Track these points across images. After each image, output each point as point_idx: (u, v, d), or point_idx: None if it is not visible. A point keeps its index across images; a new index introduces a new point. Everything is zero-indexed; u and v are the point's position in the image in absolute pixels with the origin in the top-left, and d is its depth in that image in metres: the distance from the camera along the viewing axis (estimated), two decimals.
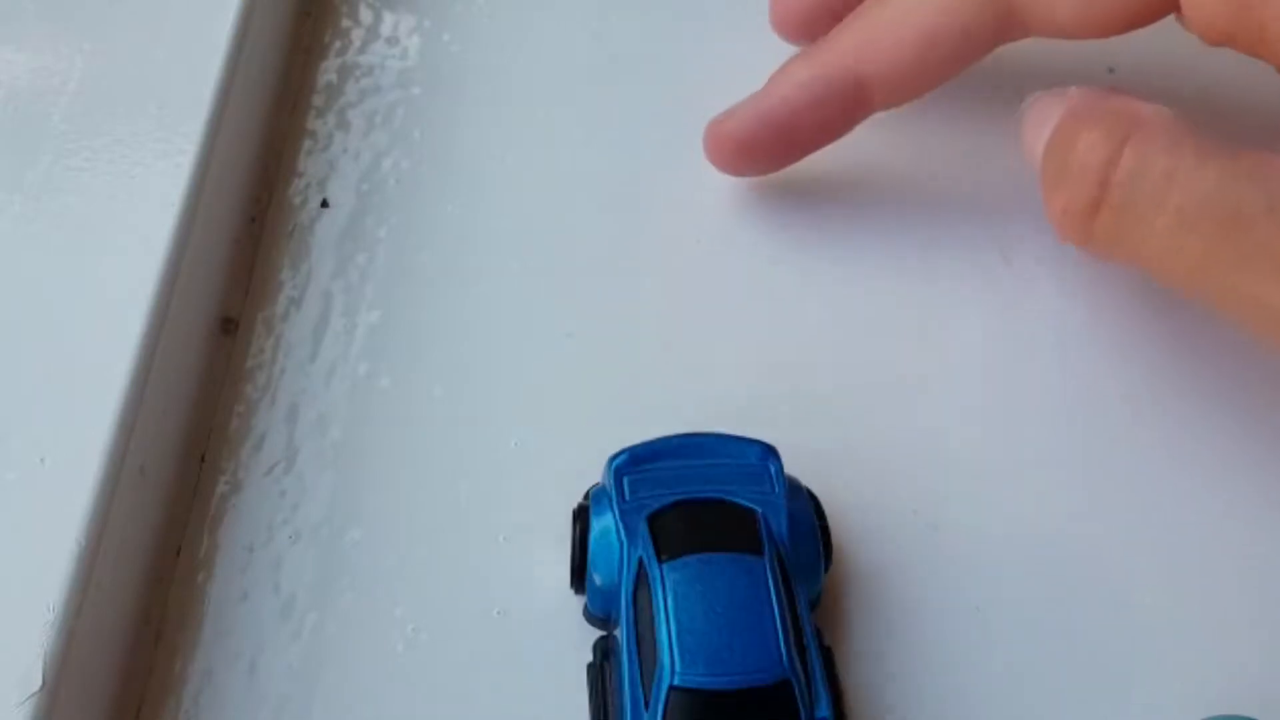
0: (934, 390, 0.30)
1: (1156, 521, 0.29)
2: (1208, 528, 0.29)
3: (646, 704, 0.25)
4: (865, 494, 0.29)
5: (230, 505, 0.29)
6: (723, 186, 0.33)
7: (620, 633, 0.26)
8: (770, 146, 0.31)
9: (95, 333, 0.28)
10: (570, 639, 0.27)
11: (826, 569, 0.27)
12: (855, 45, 0.30)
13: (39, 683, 0.24)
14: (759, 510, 0.26)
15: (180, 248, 0.29)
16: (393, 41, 0.37)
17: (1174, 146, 0.25)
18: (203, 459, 0.30)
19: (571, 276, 0.32)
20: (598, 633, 0.27)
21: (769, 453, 0.27)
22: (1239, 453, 0.30)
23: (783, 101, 0.31)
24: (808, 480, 0.28)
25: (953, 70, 0.31)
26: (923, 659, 0.27)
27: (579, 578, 0.27)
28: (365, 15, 0.37)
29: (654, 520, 0.26)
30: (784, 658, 0.24)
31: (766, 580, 0.25)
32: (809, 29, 0.33)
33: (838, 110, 0.31)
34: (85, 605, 0.25)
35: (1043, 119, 0.28)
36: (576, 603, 0.27)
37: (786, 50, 0.33)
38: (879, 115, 0.32)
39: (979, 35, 0.30)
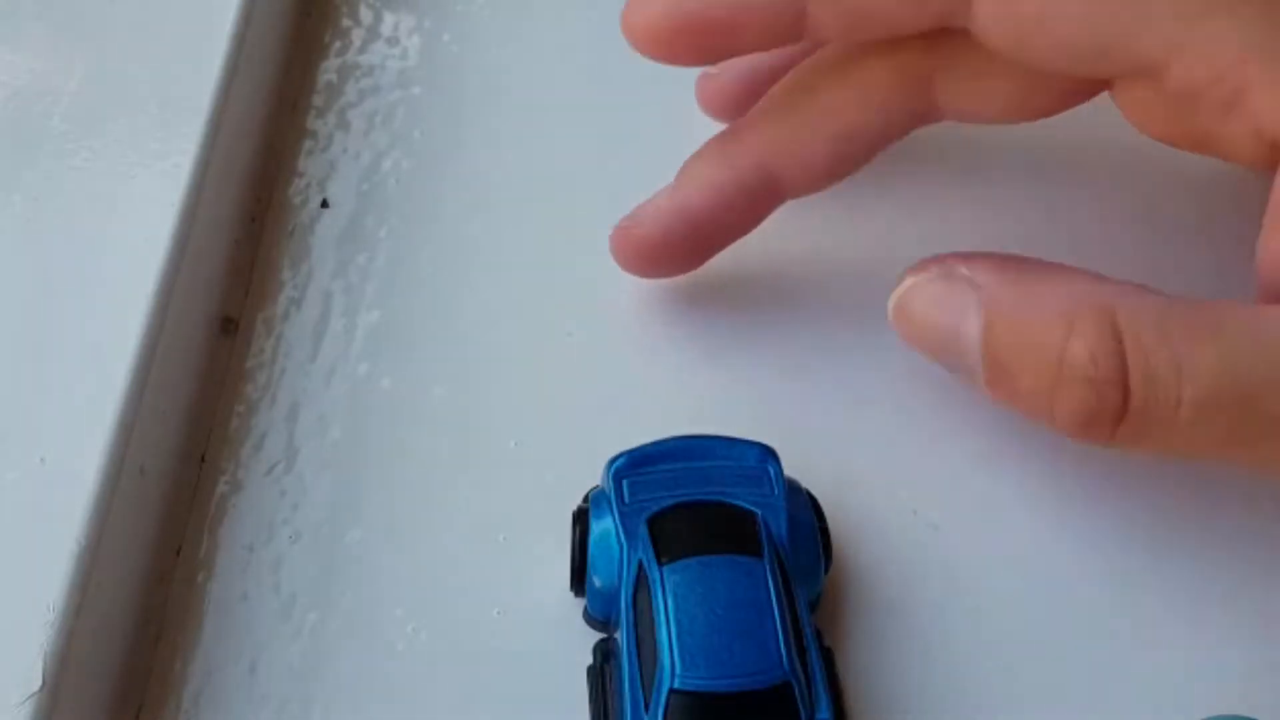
0: (934, 390, 0.30)
1: (1156, 521, 0.29)
2: (1208, 527, 0.29)
3: (647, 706, 0.25)
4: (865, 494, 0.29)
5: (230, 505, 0.29)
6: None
7: (620, 635, 0.26)
8: (683, 251, 0.30)
9: (95, 332, 0.28)
10: (570, 639, 0.27)
11: (826, 570, 0.27)
12: (768, 142, 0.29)
13: (39, 682, 0.24)
14: (758, 512, 0.26)
15: (180, 248, 0.29)
16: (393, 41, 0.37)
17: (1160, 326, 0.24)
18: (203, 459, 0.30)
19: (571, 276, 0.32)
20: (598, 634, 0.27)
21: (768, 454, 0.27)
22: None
23: (695, 205, 0.30)
24: (807, 482, 0.28)
25: (869, 158, 0.30)
26: (923, 659, 0.27)
27: (579, 580, 0.27)
28: (365, 15, 0.37)
29: (654, 523, 0.26)
30: (784, 660, 0.24)
31: (766, 582, 0.25)
32: (737, 109, 0.31)
33: (749, 209, 0.30)
34: (85, 605, 0.25)
35: (946, 305, 0.26)
36: (577, 603, 0.27)
37: None
38: None
39: (898, 127, 0.30)
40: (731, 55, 0.29)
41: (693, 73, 0.35)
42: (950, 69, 0.28)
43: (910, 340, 0.28)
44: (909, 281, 0.27)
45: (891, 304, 0.28)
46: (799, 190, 0.30)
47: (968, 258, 0.27)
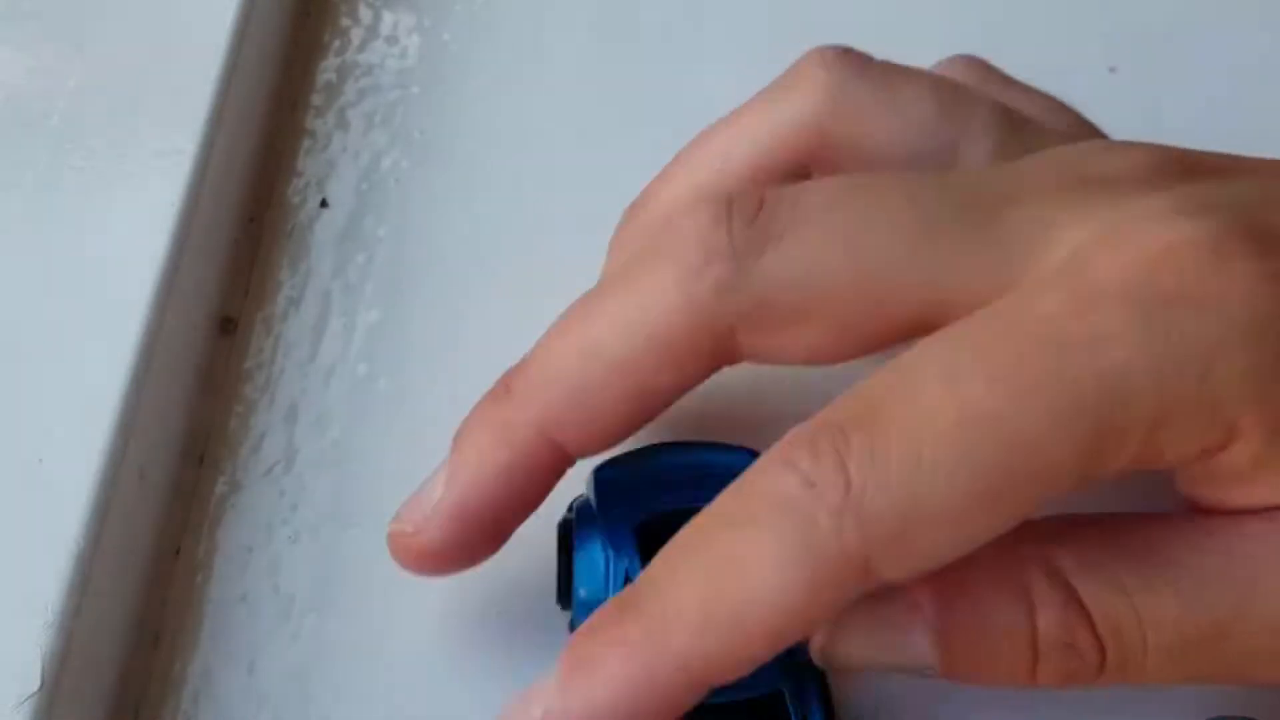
0: None
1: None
2: None
3: None
4: None
5: (229, 505, 0.29)
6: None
7: None
8: (470, 546, 0.26)
9: (94, 332, 0.28)
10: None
11: None
12: (551, 408, 0.25)
13: (37, 683, 0.24)
14: None
15: (179, 247, 0.29)
16: (392, 41, 0.37)
17: (1113, 579, 0.23)
18: (202, 459, 0.30)
19: (572, 276, 0.32)
20: None
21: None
22: None
23: (472, 499, 0.25)
24: None
25: (662, 411, 0.26)
26: None
27: (565, 594, 0.26)
28: (365, 14, 0.37)
29: (641, 531, 0.25)
30: (776, 668, 0.23)
31: None
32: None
33: (537, 486, 0.26)
34: (84, 606, 0.25)
35: (883, 641, 0.23)
36: None
37: (799, 48, 0.33)
38: None
39: (696, 379, 0.26)
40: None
41: (693, 74, 0.35)
42: (754, 321, 0.25)
43: (844, 671, 0.25)
44: (827, 632, 0.24)
45: (816, 651, 0.24)
46: (587, 453, 0.26)
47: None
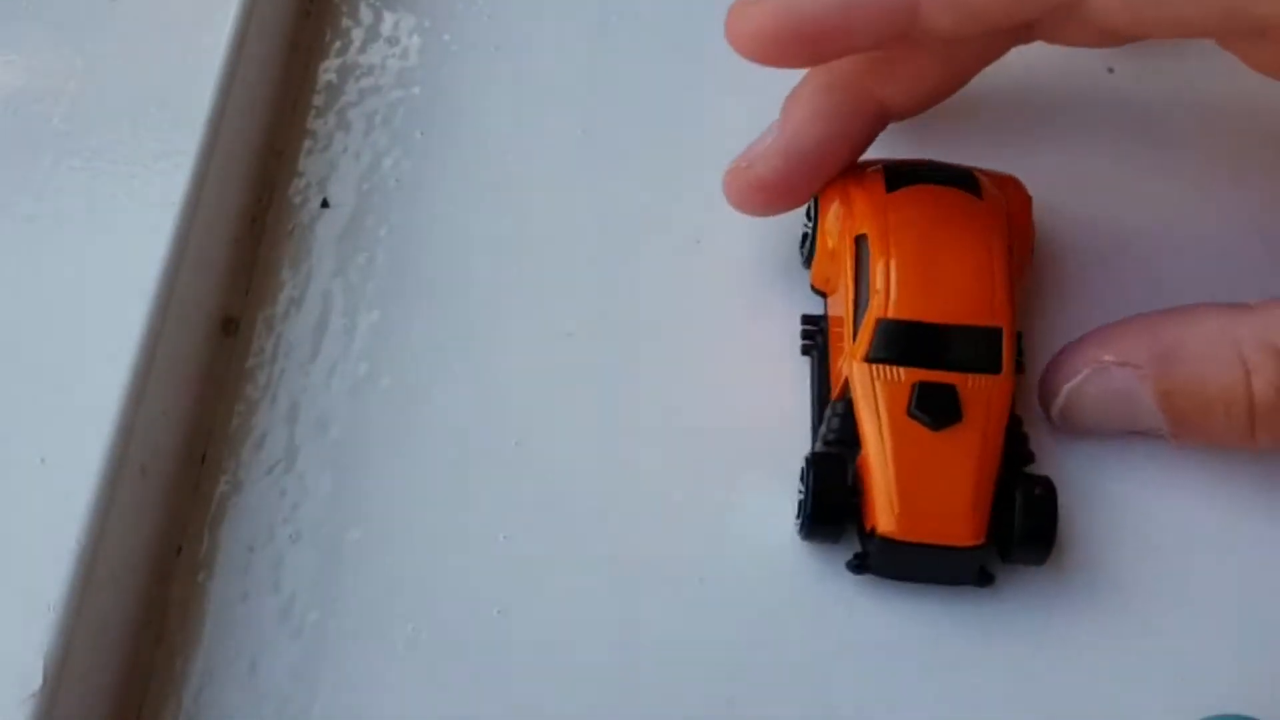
0: None
1: (1156, 519, 0.29)
2: (1209, 527, 0.29)
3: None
4: None
5: (231, 505, 0.29)
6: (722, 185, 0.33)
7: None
8: (796, 184, 0.30)
9: (95, 332, 0.28)
10: (570, 639, 0.27)
11: None
12: (868, 62, 0.29)
13: (39, 682, 0.24)
14: None
15: (180, 247, 0.29)
16: (393, 41, 0.37)
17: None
18: (203, 458, 0.30)
19: (571, 276, 0.32)
20: (597, 634, 0.27)
21: None
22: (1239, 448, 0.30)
23: (804, 137, 0.29)
24: None
25: (970, 76, 0.30)
26: None
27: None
28: (365, 15, 0.37)
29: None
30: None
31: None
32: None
33: (857, 134, 0.30)
34: (85, 604, 0.25)
35: (1112, 401, 0.28)
36: (576, 604, 0.27)
37: None
38: None
39: (998, 46, 0.30)
40: (842, 55, 0.29)
41: (694, 73, 0.36)
42: None
43: (1080, 434, 0.29)
44: (1064, 391, 0.28)
45: (1055, 414, 0.29)
46: (902, 109, 0.30)
47: (1104, 341, 0.28)
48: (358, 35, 0.37)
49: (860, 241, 0.29)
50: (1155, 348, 0.27)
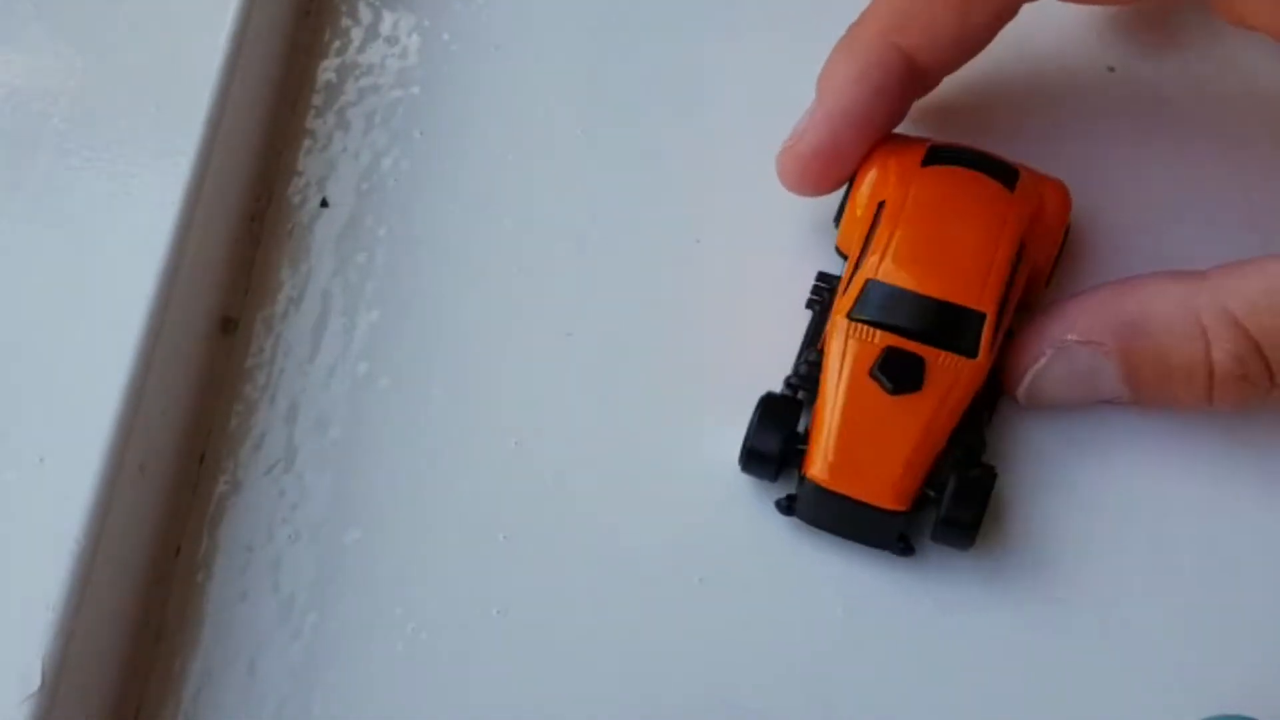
0: None
1: (1157, 520, 0.29)
2: (1210, 526, 0.29)
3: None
4: None
5: (230, 505, 0.29)
6: (721, 185, 0.33)
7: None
8: (848, 145, 0.30)
9: (94, 332, 0.28)
10: (570, 638, 0.27)
11: None
12: (890, 19, 0.30)
13: (38, 682, 0.24)
14: None
15: (179, 247, 0.29)
16: (392, 41, 0.37)
17: (1272, 307, 0.27)
18: (202, 458, 0.30)
19: (571, 276, 0.32)
20: (597, 634, 0.27)
21: None
22: (1240, 449, 0.30)
23: (846, 102, 0.30)
24: None
25: (993, 32, 0.31)
26: None
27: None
28: (365, 14, 0.37)
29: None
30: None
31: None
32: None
33: (895, 92, 0.30)
34: (84, 605, 0.25)
35: (1076, 378, 0.29)
36: (576, 604, 0.27)
37: (795, 48, 0.33)
38: None
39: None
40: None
41: (694, 73, 0.36)
42: None
43: (1045, 409, 0.29)
44: (1030, 373, 0.29)
45: (1021, 395, 0.29)
46: (928, 62, 0.30)
47: (1066, 318, 0.28)
48: (357, 35, 0.37)
49: (880, 207, 0.29)
50: (1117, 322, 0.28)
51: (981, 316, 0.27)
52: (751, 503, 0.29)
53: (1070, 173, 0.32)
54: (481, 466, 0.30)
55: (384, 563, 0.28)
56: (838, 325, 0.28)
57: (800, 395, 0.29)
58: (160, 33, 0.33)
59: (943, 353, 0.27)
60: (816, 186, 0.31)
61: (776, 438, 0.28)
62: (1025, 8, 0.31)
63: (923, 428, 0.27)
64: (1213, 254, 0.31)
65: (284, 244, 0.33)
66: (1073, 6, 0.32)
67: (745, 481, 0.29)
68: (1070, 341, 0.28)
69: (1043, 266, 0.30)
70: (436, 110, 0.35)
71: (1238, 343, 0.27)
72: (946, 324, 0.27)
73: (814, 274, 0.31)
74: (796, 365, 0.29)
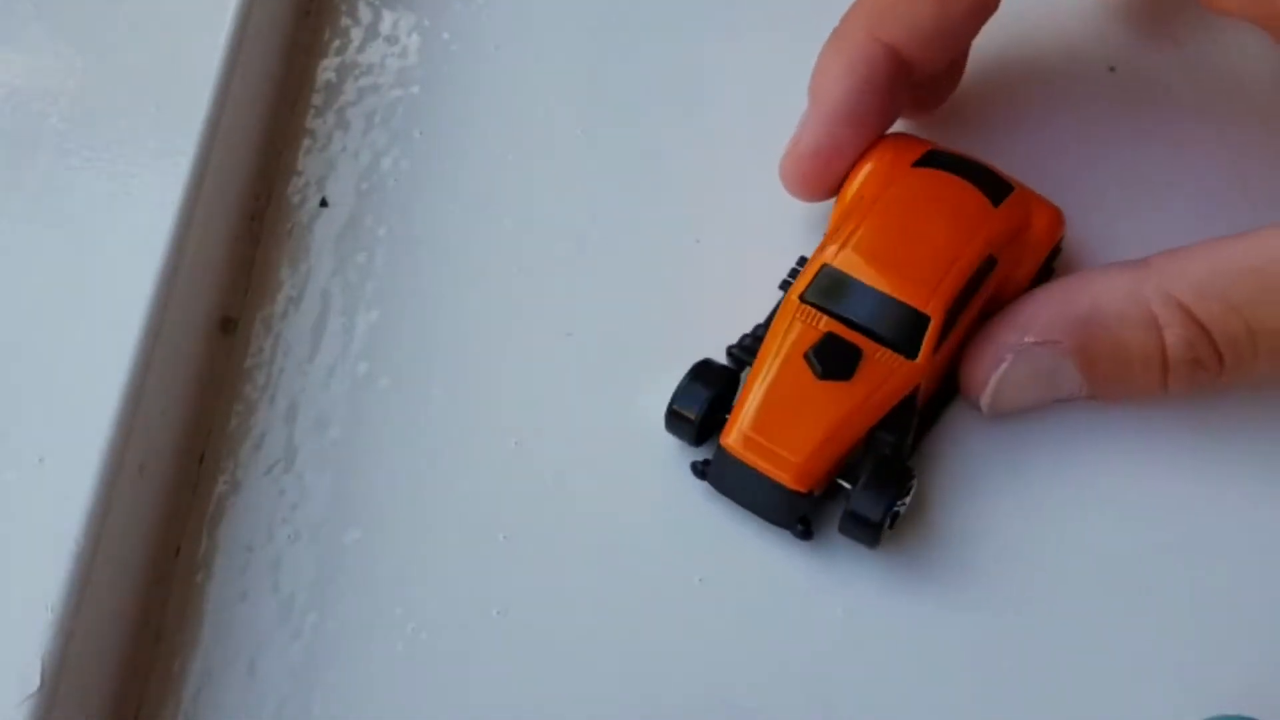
0: None
1: (1158, 520, 0.29)
2: (1210, 526, 0.29)
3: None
4: None
5: (229, 505, 0.29)
6: (721, 185, 0.33)
7: None
8: (845, 141, 0.31)
9: (94, 332, 0.28)
10: (570, 638, 0.27)
11: None
12: (870, 14, 0.30)
13: (38, 683, 0.24)
14: None
15: (179, 247, 0.29)
16: (392, 40, 0.37)
17: (1220, 294, 0.27)
18: (202, 458, 0.30)
19: (571, 276, 0.32)
20: (596, 634, 0.27)
21: None
22: (1240, 450, 0.30)
23: (838, 98, 0.30)
24: None
25: (974, 23, 0.31)
26: None
27: None
28: (365, 14, 0.37)
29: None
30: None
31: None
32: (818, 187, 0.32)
33: (884, 85, 0.30)
34: (84, 605, 0.25)
35: (1037, 381, 0.29)
36: (576, 604, 0.27)
37: (795, 48, 0.33)
38: None
39: None
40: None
41: (694, 72, 0.36)
42: None
43: (1007, 416, 0.30)
44: (992, 381, 0.29)
45: (984, 405, 0.29)
46: (915, 57, 0.30)
47: (1018, 322, 0.28)
48: (357, 34, 0.37)
49: (860, 199, 0.30)
50: (1070, 317, 0.28)
51: (926, 320, 0.27)
52: None
53: (1070, 172, 0.33)
54: (481, 466, 0.30)
55: (384, 563, 0.28)
56: (788, 304, 0.28)
57: (744, 370, 0.29)
58: (160, 33, 0.33)
59: (882, 348, 0.27)
60: (817, 186, 0.31)
61: (699, 401, 0.28)
62: (1026, 8, 0.31)
63: (842, 416, 0.27)
64: None
65: (284, 244, 0.33)
66: (1073, 6, 0.32)
67: None
68: (1029, 344, 0.28)
69: (1021, 284, 0.30)
70: (436, 110, 0.35)
71: (1187, 327, 0.27)
72: (890, 321, 0.28)
73: None
74: (743, 337, 0.30)
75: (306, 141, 0.35)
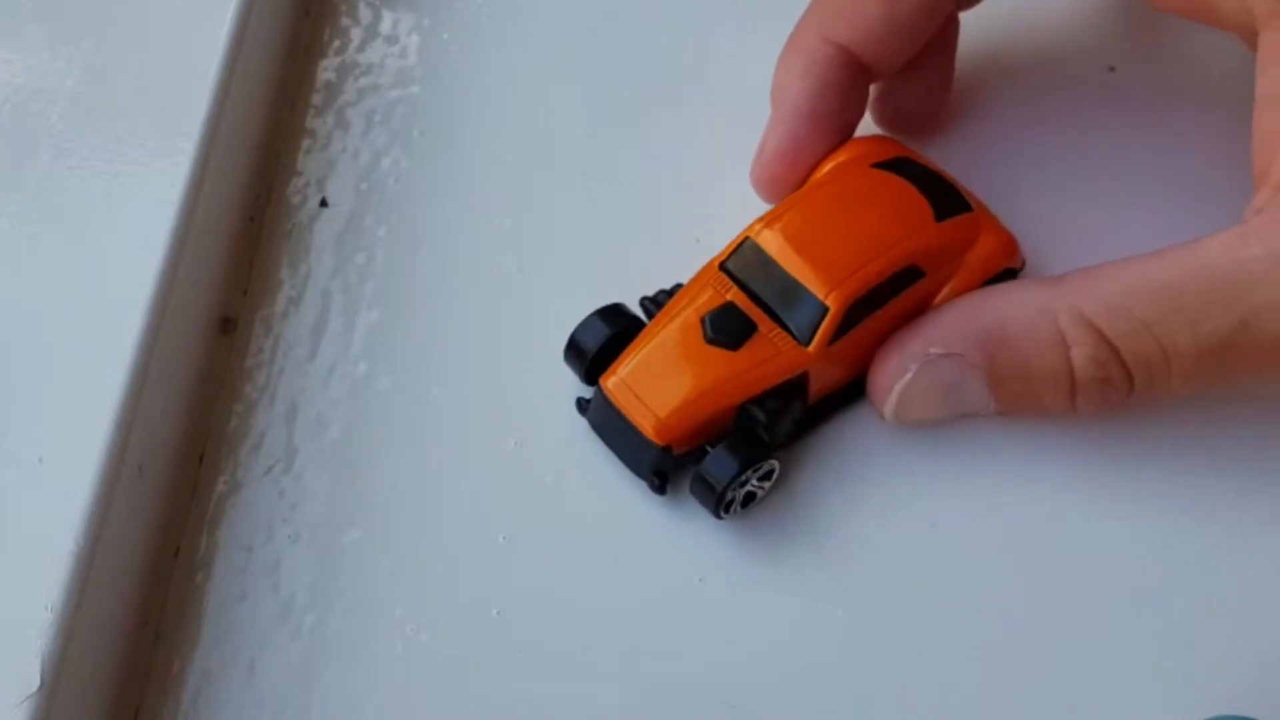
0: None
1: (1157, 520, 0.29)
2: (1209, 526, 0.29)
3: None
4: None
5: (229, 505, 0.29)
6: (721, 185, 0.33)
7: None
8: (807, 141, 0.31)
9: (93, 332, 0.28)
10: (570, 638, 0.27)
11: None
12: (822, 17, 0.31)
13: (37, 683, 0.24)
14: None
15: (179, 247, 0.29)
16: (392, 40, 0.37)
17: (1131, 315, 0.26)
18: (201, 458, 0.30)
19: (571, 277, 0.32)
20: (596, 635, 0.27)
21: None
22: (1239, 450, 0.30)
23: (797, 101, 0.31)
24: None
25: (925, 23, 0.31)
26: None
27: None
28: (364, 14, 0.37)
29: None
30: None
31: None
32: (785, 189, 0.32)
33: (843, 85, 0.31)
34: (84, 605, 0.25)
35: (941, 391, 0.28)
36: (575, 604, 0.27)
37: (777, 44, 0.33)
38: None
39: None
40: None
41: (694, 72, 0.36)
42: None
43: (913, 427, 0.29)
44: (895, 390, 0.28)
45: (888, 413, 0.29)
46: (869, 56, 0.31)
47: (925, 333, 0.28)
48: (357, 34, 0.37)
49: (809, 185, 0.30)
50: (977, 332, 0.28)
51: (825, 309, 0.28)
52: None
53: (1070, 171, 0.33)
54: (481, 466, 0.29)
55: (384, 563, 0.28)
56: (708, 269, 0.29)
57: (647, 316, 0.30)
58: (160, 33, 0.33)
59: (778, 328, 0.28)
60: (786, 189, 0.31)
61: (597, 337, 0.29)
62: (1026, 7, 0.31)
63: (715, 381, 0.27)
64: None
65: (283, 244, 0.33)
66: (1074, 6, 0.32)
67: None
68: (934, 355, 0.28)
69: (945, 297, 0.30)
70: (436, 110, 0.35)
71: (1096, 347, 0.26)
72: (790, 303, 0.28)
73: None
74: (659, 292, 0.30)
75: (306, 141, 0.35)
